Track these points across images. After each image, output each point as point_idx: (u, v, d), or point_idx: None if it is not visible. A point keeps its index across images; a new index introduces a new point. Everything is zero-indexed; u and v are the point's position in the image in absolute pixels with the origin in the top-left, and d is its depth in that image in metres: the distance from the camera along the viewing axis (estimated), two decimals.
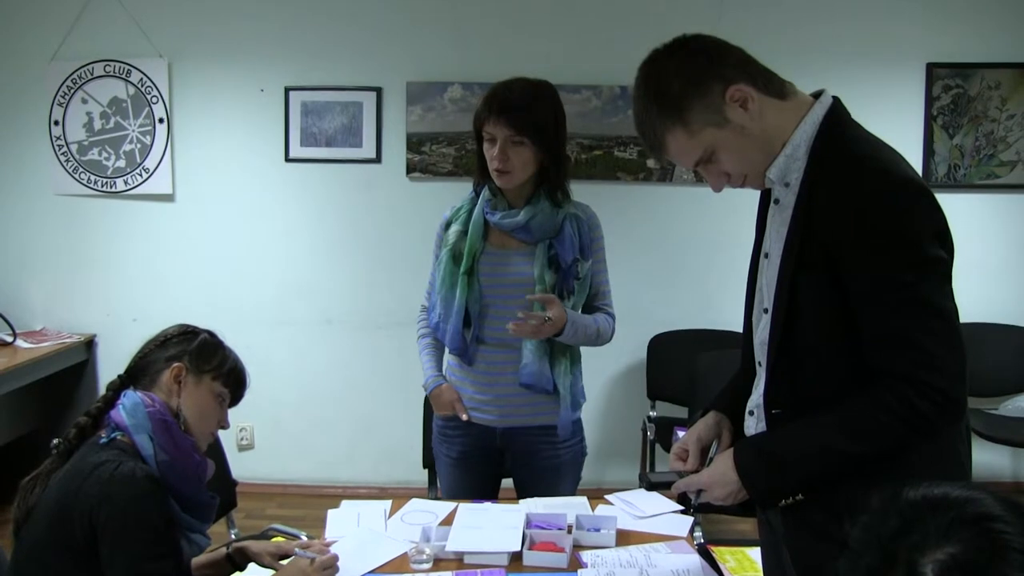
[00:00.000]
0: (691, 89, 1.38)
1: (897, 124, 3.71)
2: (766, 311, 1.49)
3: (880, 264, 1.31)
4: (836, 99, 1.44)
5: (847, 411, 1.36)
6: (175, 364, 1.71)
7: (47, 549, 1.56)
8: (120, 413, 1.64)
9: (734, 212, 3.84)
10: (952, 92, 3.86)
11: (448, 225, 2.29)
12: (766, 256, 1.51)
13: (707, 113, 1.38)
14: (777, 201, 1.48)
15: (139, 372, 1.74)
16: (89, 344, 3.97)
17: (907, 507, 0.82)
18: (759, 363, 1.53)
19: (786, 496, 1.43)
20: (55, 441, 1.68)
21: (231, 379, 1.79)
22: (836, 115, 1.42)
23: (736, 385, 1.66)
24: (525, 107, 2.11)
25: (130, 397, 1.67)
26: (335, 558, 1.75)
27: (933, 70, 3.84)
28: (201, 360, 1.74)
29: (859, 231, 1.31)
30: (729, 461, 1.46)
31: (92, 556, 1.53)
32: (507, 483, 2.37)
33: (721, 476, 1.47)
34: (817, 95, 1.45)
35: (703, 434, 1.63)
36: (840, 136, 1.40)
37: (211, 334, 1.81)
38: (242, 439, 4.01)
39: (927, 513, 0.80)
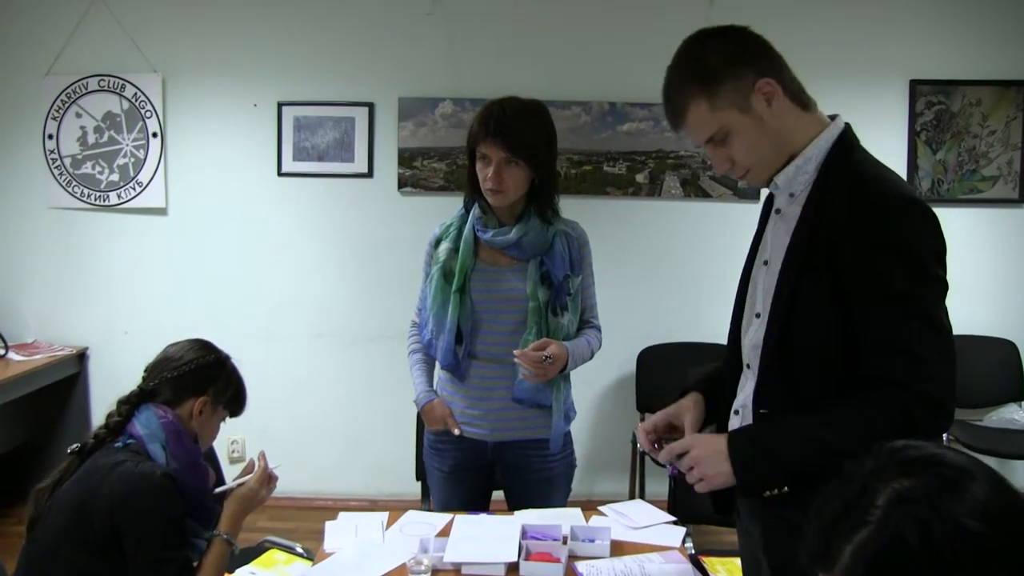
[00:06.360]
0: (727, 68, 1.45)
1: (882, 140, 3.74)
2: (758, 315, 1.55)
3: (886, 276, 1.36)
4: (848, 125, 1.52)
5: (843, 411, 1.39)
6: (202, 398, 1.84)
7: (63, 544, 1.64)
8: (135, 425, 1.76)
9: (723, 226, 3.92)
10: (935, 108, 3.93)
11: (438, 242, 2.31)
12: (765, 263, 1.56)
13: (734, 95, 1.45)
14: (779, 211, 1.55)
15: (160, 391, 1.84)
16: (81, 357, 3.97)
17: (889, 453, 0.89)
18: (747, 365, 1.58)
19: (773, 487, 1.46)
20: (74, 446, 1.78)
21: (234, 404, 1.95)
22: (848, 139, 1.50)
23: (715, 375, 1.69)
24: (520, 128, 2.13)
25: (144, 411, 1.79)
26: (268, 470, 1.95)
27: (916, 87, 3.91)
28: (222, 395, 1.90)
29: (868, 245, 1.36)
30: (722, 447, 1.46)
31: (109, 549, 1.62)
32: (498, 495, 2.40)
33: (713, 455, 1.47)
34: (832, 118, 1.53)
35: (674, 414, 1.66)
36: (851, 158, 1.47)
37: (228, 359, 1.94)
38: (233, 452, 4.02)
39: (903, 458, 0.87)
